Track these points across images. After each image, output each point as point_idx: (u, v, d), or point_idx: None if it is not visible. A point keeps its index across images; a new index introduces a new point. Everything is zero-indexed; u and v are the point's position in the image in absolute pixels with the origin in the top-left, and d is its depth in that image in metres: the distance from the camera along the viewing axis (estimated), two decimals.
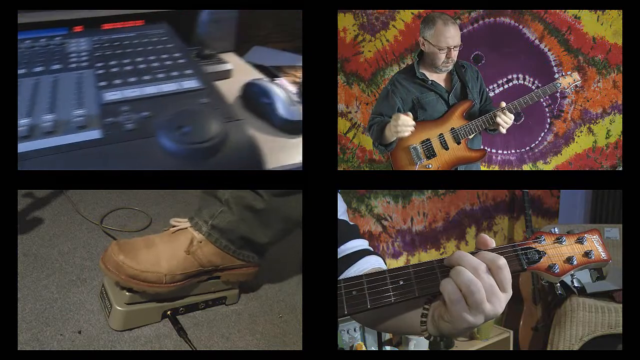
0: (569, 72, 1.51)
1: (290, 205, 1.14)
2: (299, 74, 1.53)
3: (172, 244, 1.10)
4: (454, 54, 1.44)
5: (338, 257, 0.87)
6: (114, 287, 1.08)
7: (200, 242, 1.12)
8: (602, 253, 0.71)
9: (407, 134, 1.37)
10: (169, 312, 1.12)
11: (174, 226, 1.14)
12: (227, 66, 1.41)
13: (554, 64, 1.98)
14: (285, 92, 1.21)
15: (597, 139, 2.06)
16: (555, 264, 0.69)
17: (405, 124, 1.35)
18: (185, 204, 1.76)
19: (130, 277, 1.03)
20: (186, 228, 1.13)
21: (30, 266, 1.21)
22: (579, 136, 2.06)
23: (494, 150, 2.07)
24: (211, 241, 1.12)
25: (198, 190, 1.32)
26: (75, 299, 1.13)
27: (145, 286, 1.05)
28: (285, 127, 1.17)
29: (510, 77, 2.00)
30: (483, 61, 1.98)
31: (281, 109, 1.17)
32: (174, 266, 1.07)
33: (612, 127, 2.04)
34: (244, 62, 1.55)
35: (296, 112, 1.18)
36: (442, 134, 1.44)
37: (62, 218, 1.47)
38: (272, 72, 1.54)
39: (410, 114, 1.37)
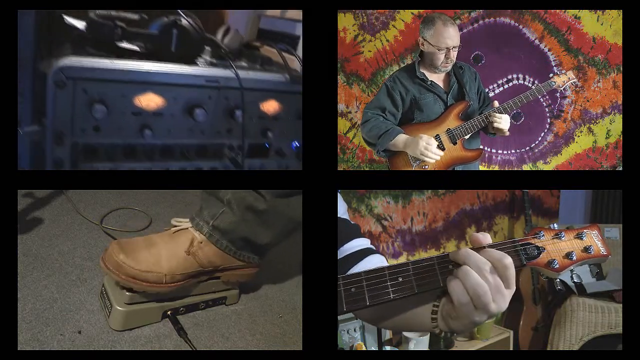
0: (563, 71, 1.51)
1: (292, 206, 1.14)
2: None
3: (172, 244, 1.10)
4: (453, 54, 1.44)
5: (341, 256, 0.87)
6: (114, 287, 1.08)
7: (201, 242, 1.12)
8: (601, 248, 0.70)
9: (431, 160, 1.40)
10: (169, 312, 1.12)
11: (174, 226, 1.14)
12: None
13: (554, 64, 1.98)
14: None
15: (597, 139, 2.06)
16: (554, 259, 0.69)
17: (434, 151, 1.38)
18: (185, 204, 1.76)
19: (130, 276, 1.03)
20: (187, 228, 1.13)
21: (30, 266, 1.21)
22: (579, 136, 2.06)
23: (494, 150, 2.07)
24: (212, 242, 1.12)
25: (198, 190, 1.31)
26: (75, 299, 1.13)
27: (145, 286, 1.05)
28: None
29: (510, 77, 2.00)
30: (483, 61, 1.98)
31: None
32: (174, 266, 1.07)
33: (612, 127, 2.04)
34: None
35: None
36: (438, 134, 1.45)
37: (62, 218, 1.47)
38: None
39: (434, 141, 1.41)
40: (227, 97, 1.17)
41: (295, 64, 1.30)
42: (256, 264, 1.21)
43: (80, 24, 1.13)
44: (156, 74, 1.06)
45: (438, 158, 1.41)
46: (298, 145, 1.34)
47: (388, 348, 1.95)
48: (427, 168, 1.43)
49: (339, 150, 1.99)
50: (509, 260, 0.64)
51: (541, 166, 2.07)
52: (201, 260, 1.11)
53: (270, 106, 1.26)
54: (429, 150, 1.38)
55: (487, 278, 0.64)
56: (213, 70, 1.14)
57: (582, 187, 2.51)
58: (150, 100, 1.06)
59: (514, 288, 0.65)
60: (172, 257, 1.08)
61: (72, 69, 0.98)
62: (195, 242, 1.11)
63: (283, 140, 1.32)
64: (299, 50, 1.42)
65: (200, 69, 1.12)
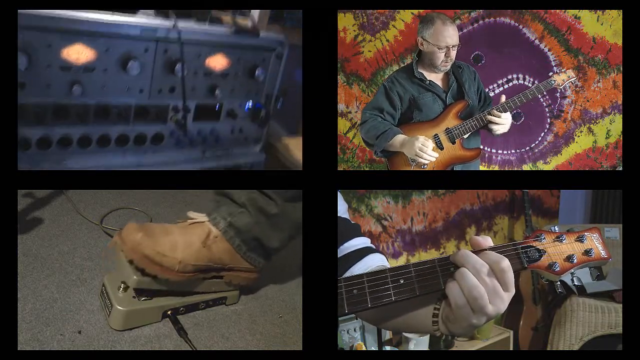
0: (563, 69, 1.50)
1: (300, 211, 1.15)
2: None
3: (189, 235, 1.11)
4: (453, 53, 1.44)
5: (342, 254, 0.87)
6: (115, 286, 1.08)
7: (216, 237, 1.13)
8: (602, 251, 0.70)
9: (425, 162, 1.40)
10: (169, 312, 1.12)
11: (190, 218, 1.16)
12: None
13: (553, 64, 1.98)
14: None
15: (597, 139, 2.06)
16: (555, 262, 0.69)
17: (429, 152, 1.38)
18: (185, 204, 1.76)
19: (146, 257, 1.03)
20: (204, 222, 1.14)
21: (30, 266, 1.21)
22: (579, 136, 2.06)
23: (494, 150, 2.07)
24: (226, 238, 1.14)
25: (198, 190, 1.31)
26: (75, 299, 1.13)
27: (157, 270, 1.05)
28: None
29: (510, 77, 2.00)
30: (483, 61, 1.98)
31: None
32: (188, 255, 1.08)
33: (612, 127, 2.04)
34: None
35: None
36: (437, 134, 1.45)
37: (62, 218, 1.47)
38: None
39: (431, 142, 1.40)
40: (167, 49, 1.05)
41: (247, 22, 1.21)
42: (260, 268, 1.22)
43: None
44: (85, 22, 0.92)
45: (433, 160, 1.40)
46: (251, 106, 1.22)
47: (388, 348, 1.95)
48: (426, 168, 1.43)
49: (339, 150, 1.99)
50: (506, 263, 0.64)
51: (541, 166, 2.07)
52: (213, 255, 1.12)
53: (217, 62, 1.13)
54: (424, 151, 1.38)
55: (485, 280, 0.64)
56: (150, 20, 1.02)
57: (582, 187, 2.51)
58: (79, 53, 0.92)
59: (513, 291, 0.65)
60: (188, 246, 1.09)
61: None
62: (211, 235, 1.13)
63: (235, 100, 1.21)
64: (254, 13, 1.30)
65: (134, 18, 0.99)
